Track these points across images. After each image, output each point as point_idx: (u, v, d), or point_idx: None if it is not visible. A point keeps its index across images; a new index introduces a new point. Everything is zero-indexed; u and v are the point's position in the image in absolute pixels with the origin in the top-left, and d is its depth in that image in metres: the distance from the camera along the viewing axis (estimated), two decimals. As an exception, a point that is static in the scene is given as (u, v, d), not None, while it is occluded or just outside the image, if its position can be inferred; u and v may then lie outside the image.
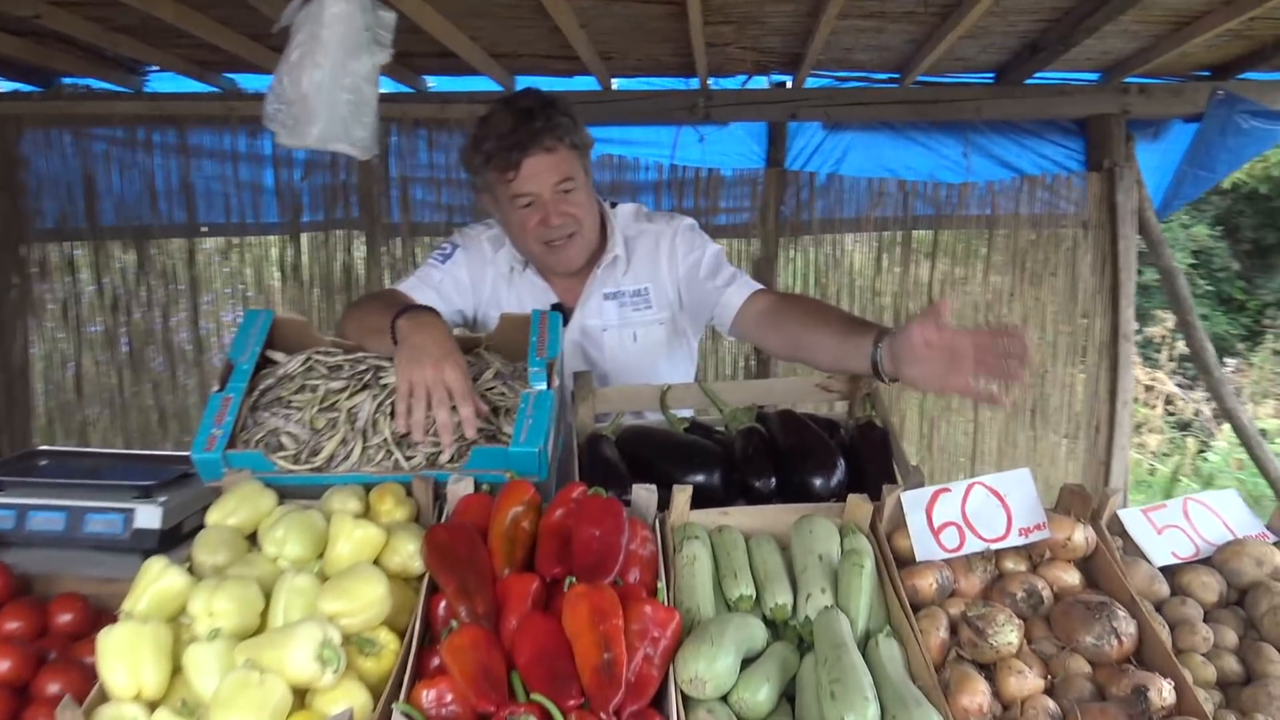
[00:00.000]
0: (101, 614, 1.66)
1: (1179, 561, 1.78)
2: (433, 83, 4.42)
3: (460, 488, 1.68)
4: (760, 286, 2.30)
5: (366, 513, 1.67)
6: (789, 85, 4.31)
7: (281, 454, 1.75)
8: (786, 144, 4.40)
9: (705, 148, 4.43)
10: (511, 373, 1.93)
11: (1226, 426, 6.79)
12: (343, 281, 4.41)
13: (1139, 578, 1.72)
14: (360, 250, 4.41)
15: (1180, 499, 1.88)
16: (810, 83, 4.24)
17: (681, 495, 1.72)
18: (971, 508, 1.75)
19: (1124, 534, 1.83)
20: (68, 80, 4.30)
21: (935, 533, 1.74)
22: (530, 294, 2.39)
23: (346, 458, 1.77)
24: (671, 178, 4.40)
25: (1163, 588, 1.73)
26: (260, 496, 1.66)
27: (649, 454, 1.94)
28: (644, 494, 1.72)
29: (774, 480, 1.86)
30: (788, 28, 3.49)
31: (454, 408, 1.75)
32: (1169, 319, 7.38)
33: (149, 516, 1.85)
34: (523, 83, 4.31)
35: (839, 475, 1.86)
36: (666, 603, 1.49)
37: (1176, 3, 3.13)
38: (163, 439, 4.51)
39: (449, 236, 2.50)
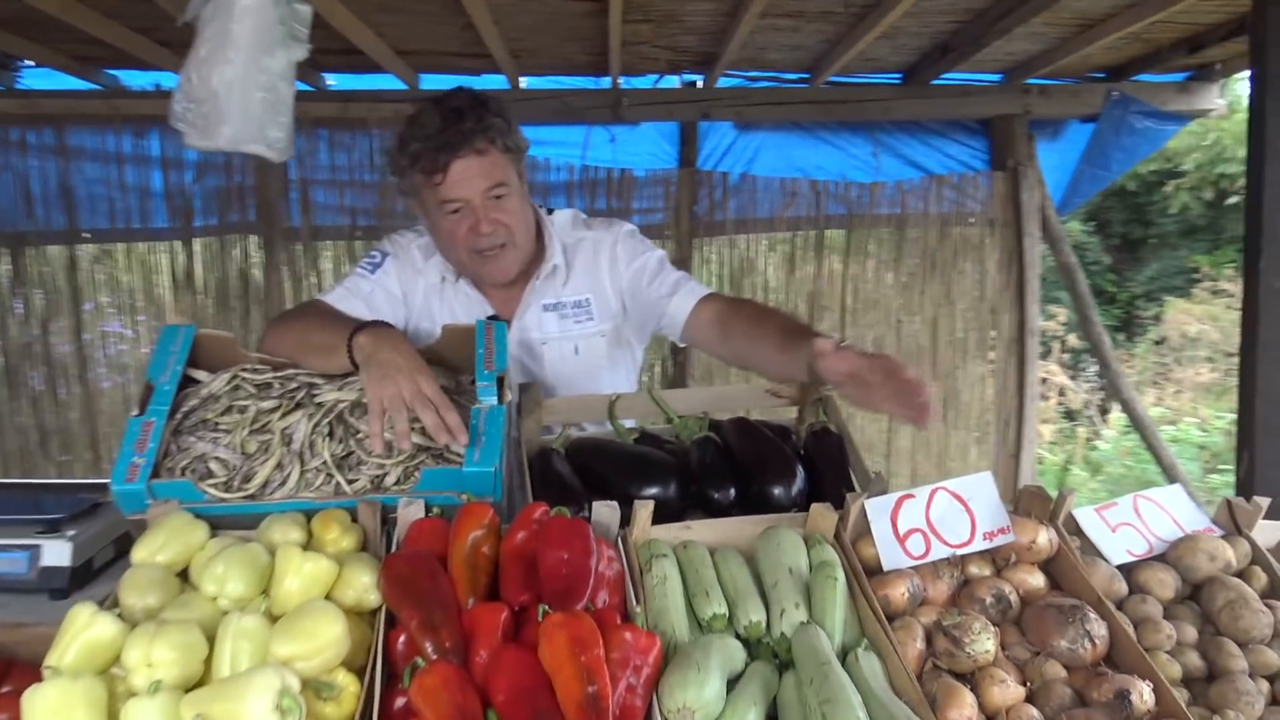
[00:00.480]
0: (12, 664, 1.49)
1: (1134, 559, 1.79)
2: (333, 81, 4.24)
3: (411, 511, 1.58)
4: (707, 291, 2.22)
5: (309, 543, 1.55)
6: (700, 85, 4.28)
7: (211, 481, 1.61)
8: (698, 144, 4.37)
9: (616, 148, 4.37)
10: (455, 388, 1.83)
11: (1113, 416, 7.08)
12: (239, 289, 4.20)
13: (1099, 578, 1.72)
14: (258, 256, 4.20)
15: (1130, 496, 1.89)
16: (722, 82, 4.21)
17: (644, 511, 1.65)
18: (936, 513, 1.73)
19: (1078, 533, 1.83)
20: (-70, 77, 3.99)
21: (901, 540, 1.70)
22: (464, 306, 2.26)
23: (283, 483, 1.64)
24: (583, 178, 4.32)
25: (1122, 586, 1.73)
26: (191, 530, 1.53)
27: (602, 468, 1.86)
28: (606, 511, 1.64)
29: (733, 491, 1.81)
30: (705, 27, 3.45)
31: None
32: (1060, 313, 7.64)
33: (57, 553, 1.69)
34: (428, 81, 4.18)
35: (799, 484, 1.81)
36: (645, 627, 1.41)
37: (1085, 6, 3.20)
38: (43, 460, 4.22)
39: (376, 243, 2.34)
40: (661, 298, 2.23)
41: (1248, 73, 4.10)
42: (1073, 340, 7.67)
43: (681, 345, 2.40)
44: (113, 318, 4.28)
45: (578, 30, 3.51)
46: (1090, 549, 1.81)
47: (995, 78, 4.33)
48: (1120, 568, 1.76)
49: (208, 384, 1.76)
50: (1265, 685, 1.56)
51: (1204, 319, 8.09)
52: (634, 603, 1.50)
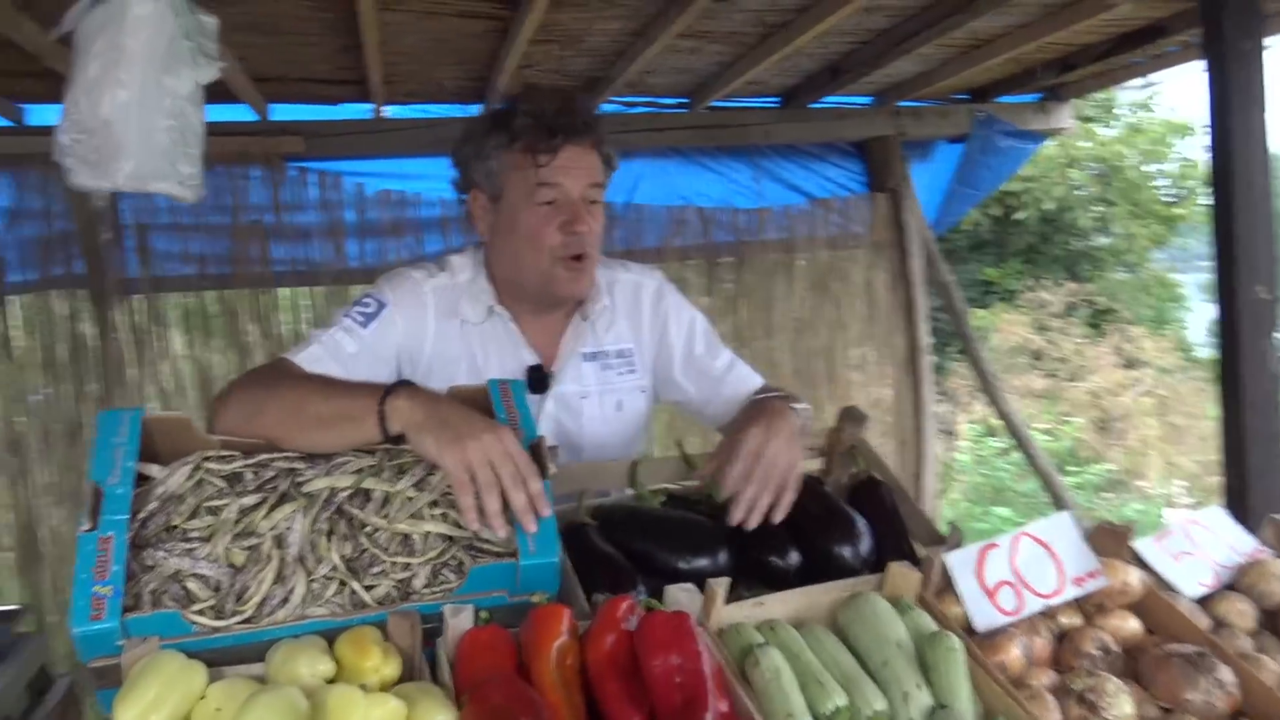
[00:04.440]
0: None
1: (1206, 590, 1.70)
2: (168, 113, 3.76)
3: (461, 621, 1.28)
4: (762, 381, 2.05)
5: (339, 674, 1.23)
6: (575, 112, 4.06)
7: (198, 607, 1.26)
8: (577, 173, 4.14)
9: (491, 180, 4.08)
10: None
11: (965, 427, 7.32)
12: (69, 353, 3.62)
13: (1188, 616, 1.62)
14: (89, 314, 3.64)
15: (1181, 522, 1.81)
16: (600, 109, 4.01)
17: (720, 591, 1.42)
18: (1021, 561, 1.58)
19: (1139, 565, 1.73)
20: None
21: (991, 596, 1.55)
22: (497, 349, 1.94)
23: (285, 599, 1.30)
24: (458, 213, 4.00)
25: (1205, 621, 1.64)
26: (187, 675, 1.17)
27: (641, 540, 1.61)
28: (683, 596, 1.40)
29: (796, 556, 1.60)
30: (603, 48, 3.25)
31: None
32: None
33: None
34: (278, 112, 3.77)
35: (867, 543, 1.62)
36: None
37: (981, 25, 3.20)
38: None
39: (371, 289, 1.92)
40: (719, 374, 2.04)
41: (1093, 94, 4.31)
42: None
43: (709, 427, 2.16)
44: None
45: (463, 53, 3.23)
46: (1159, 584, 1.71)
47: (866, 100, 4.34)
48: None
49: (164, 481, 1.39)
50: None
51: (1022, 328, 8.54)
52: (747, 703, 1.26)
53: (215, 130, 3.56)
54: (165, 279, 3.71)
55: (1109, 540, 1.67)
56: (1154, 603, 1.60)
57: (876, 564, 1.59)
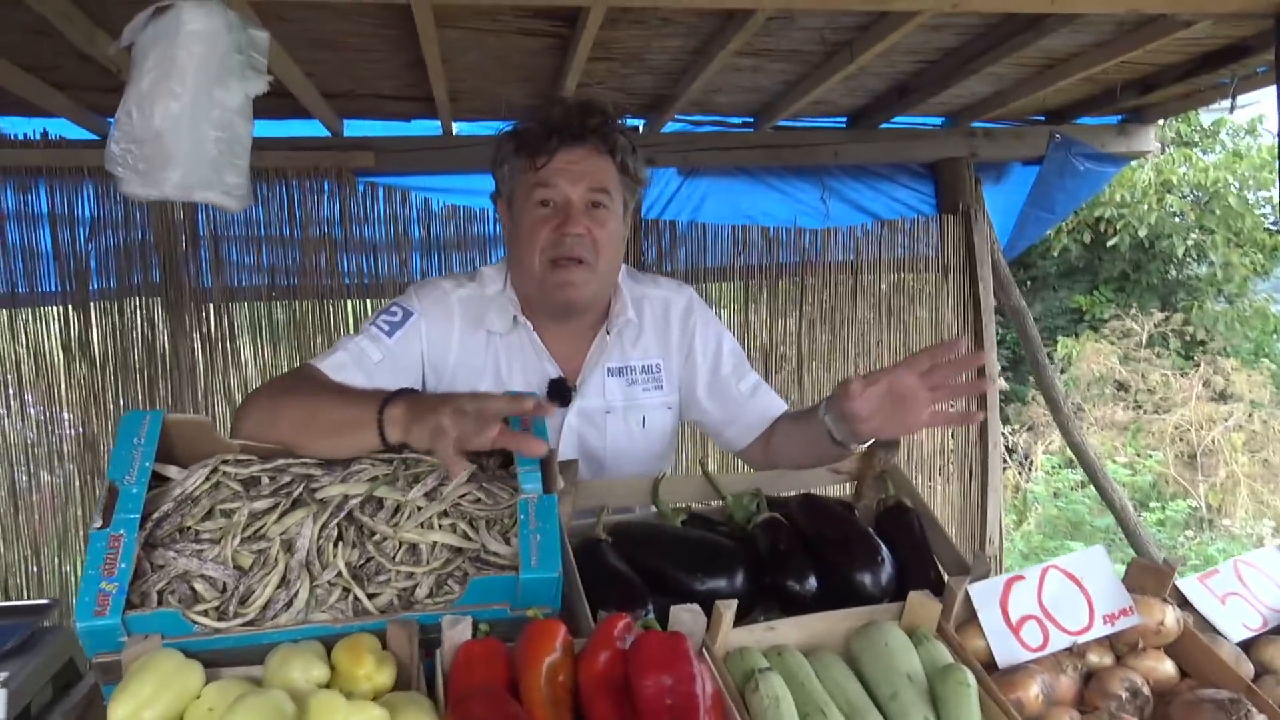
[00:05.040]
0: None
1: (1251, 634, 1.61)
2: (246, 127, 3.87)
3: (458, 632, 1.28)
4: (786, 406, 2.04)
5: (334, 679, 1.24)
6: (641, 130, 4.07)
7: (200, 607, 1.28)
8: (642, 191, 4.16)
9: (555, 196, 4.12)
10: (489, 475, 1.53)
11: (1041, 458, 7.11)
12: (142, 359, 3.75)
13: (1226, 659, 1.54)
14: (163, 321, 3.77)
15: (1230, 561, 1.73)
16: (666, 127, 4.02)
17: (728, 613, 1.39)
18: (1049, 596, 1.52)
19: (1184, 606, 1.65)
20: None
21: (1015, 630, 1.49)
22: (520, 361, 1.94)
23: (289, 604, 1.31)
24: (522, 229, 4.04)
25: (1249, 667, 1.55)
26: (183, 674, 1.19)
27: (656, 558, 1.58)
28: (687, 617, 1.37)
29: (813, 581, 1.56)
30: (665, 66, 3.25)
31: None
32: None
33: (-11, 704, 1.33)
34: (353, 128, 3.87)
35: (888, 571, 1.57)
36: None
37: (1055, 44, 3.12)
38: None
39: (400, 297, 1.94)
40: (743, 397, 2.02)
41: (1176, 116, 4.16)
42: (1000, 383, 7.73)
43: (733, 452, 2.14)
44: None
45: (526, 70, 3.26)
46: (1201, 624, 1.63)
47: (938, 121, 4.27)
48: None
49: (181, 482, 1.42)
50: None
51: (1107, 357, 8.26)
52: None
53: (289, 145, 3.73)
54: (236, 289, 3.83)
55: (1148, 578, 1.59)
56: (1192, 645, 1.52)
57: (899, 592, 1.54)
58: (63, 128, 3.59)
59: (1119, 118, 4.31)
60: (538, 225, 1.84)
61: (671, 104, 3.61)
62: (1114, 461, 7.11)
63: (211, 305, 3.81)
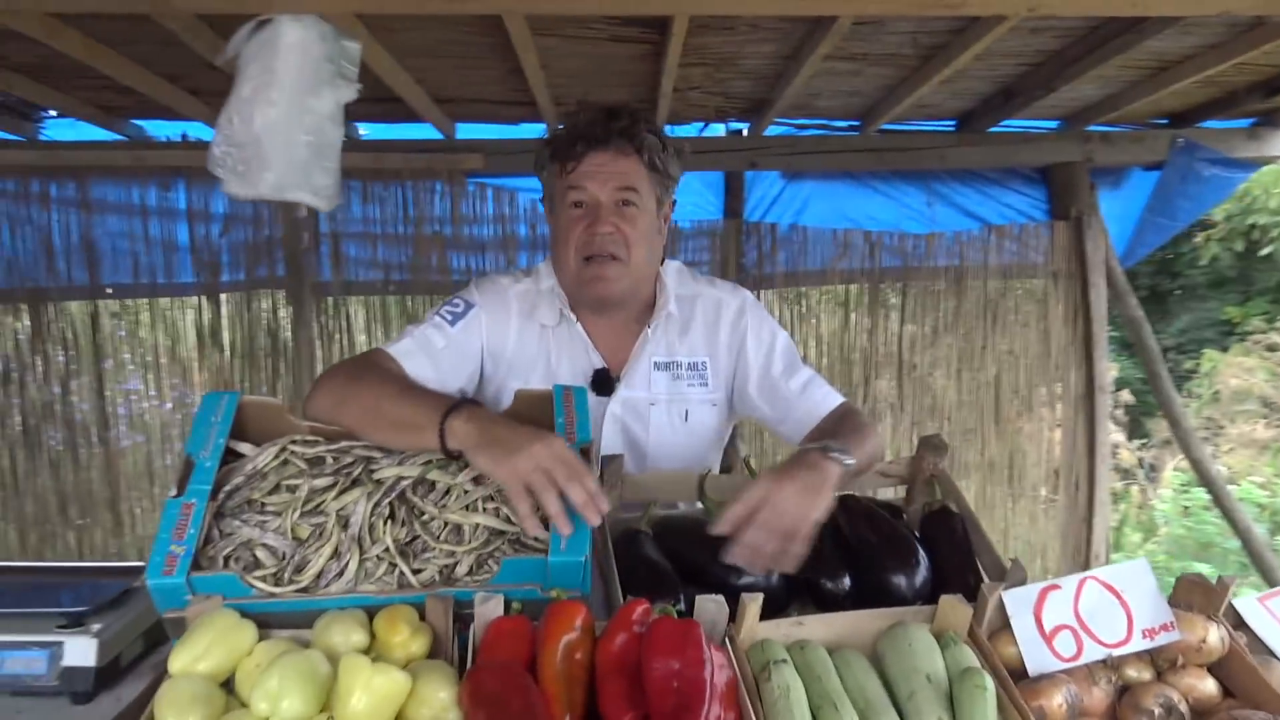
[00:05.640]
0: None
1: (1311, 658, 1.56)
2: (365, 130, 4.08)
3: (489, 608, 1.36)
4: (843, 399, 2.05)
5: (373, 645, 1.34)
6: (745, 133, 4.11)
7: (259, 573, 1.40)
8: (744, 194, 4.19)
9: (658, 198, 4.19)
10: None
11: (1168, 475, 6.80)
12: (266, 347, 4.00)
13: (1276, 682, 1.49)
14: (286, 312, 4.02)
15: (1294, 583, 1.67)
16: (769, 130, 4.04)
17: (753, 606, 1.43)
18: (1085, 607, 1.50)
19: (1240, 626, 1.61)
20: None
21: (1047, 639, 1.48)
22: (569, 353, 2.06)
23: (340, 574, 1.42)
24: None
25: (1302, 692, 1.50)
26: (238, 631, 1.31)
27: (695, 552, 1.64)
28: (711, 607, 1.42)
29: (847, 580, 1.59)
30: (760, 71, 3.28)
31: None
32: (1112, 368, 7.38)
33: (81, 651, 1.47)
34: (464, 131, 4.03)
35: (923, 573, 1.59)
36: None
37: (1164, 46, 3.02)
38: (62, 525, 4.00)
39: (462, 290, 2.10)
40: (793, 395, 2.04)
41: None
42: (1124, 396, 7.41)
43: (789, 444, 2.16)
44: (133, 376, 4.09)
45: (625, 75, 3.34)
46: (1257, 646, 1.58)
47: (1052, 124, 4.15)
48: (1292, 669, 1.54)
49: (253, 459, 1.55)
50: None
51: (1252, 372, 7.81)
52: (754, 718, 1.28)
53: (404, 147, 3.92)
54: (354, 283, 4.04)
55: (1196, 594, 1.56)
56: (1238, 664, 1.48)
57: (934, 595, 1.55)
58: (201, 130, 3.86)
59: (1250, 121, 4.11)
60: (572, 225, 1.95)
61: (771, 107, 3.63)
62: (1249, 481, 6.73)
63: (331, 298, 4.04)
